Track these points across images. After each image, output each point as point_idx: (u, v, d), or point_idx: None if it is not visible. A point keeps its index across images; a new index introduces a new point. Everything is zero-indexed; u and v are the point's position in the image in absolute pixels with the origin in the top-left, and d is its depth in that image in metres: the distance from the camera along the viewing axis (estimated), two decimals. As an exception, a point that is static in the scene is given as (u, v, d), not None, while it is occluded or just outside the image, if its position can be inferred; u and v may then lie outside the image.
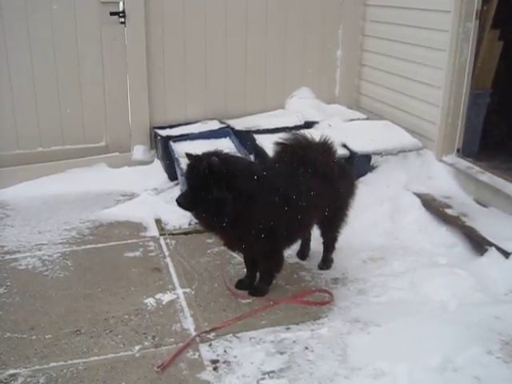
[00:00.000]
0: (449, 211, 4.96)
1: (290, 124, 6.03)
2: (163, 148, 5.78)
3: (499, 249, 4.32)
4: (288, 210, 3.79)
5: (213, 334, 3.61)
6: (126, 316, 3.78)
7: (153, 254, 4.63)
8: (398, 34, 6.00)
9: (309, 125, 6.05)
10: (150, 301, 3.96)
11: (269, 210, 3.74)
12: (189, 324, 3.72)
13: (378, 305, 3.98)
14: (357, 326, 3.67)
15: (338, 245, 4.53)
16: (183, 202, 3.71)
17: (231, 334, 3.61)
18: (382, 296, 4.07)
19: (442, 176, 5.45)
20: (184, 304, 3.94)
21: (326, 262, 4.49)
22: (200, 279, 4.26)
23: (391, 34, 6.16)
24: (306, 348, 3.46)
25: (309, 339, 3.53)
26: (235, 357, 3.39)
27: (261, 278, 4.13)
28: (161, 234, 4.93)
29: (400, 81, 6.02)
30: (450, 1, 5.05)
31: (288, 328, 3.71)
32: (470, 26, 5.08)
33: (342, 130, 5.67)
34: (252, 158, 5.57)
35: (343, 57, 6.80)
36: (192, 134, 5.76)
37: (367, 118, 6.33)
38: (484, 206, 5.06)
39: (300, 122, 6.09)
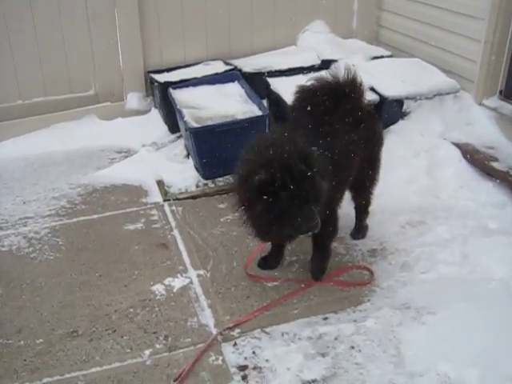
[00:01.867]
0: (495, 164, 4.31)
1: (306, 63, 5.28)
2: (161, 95, 5.03)
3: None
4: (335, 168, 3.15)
5: (237, 330, 3.02)
6: (131, 309, 3.16)
7: (157, 225, 3.96)
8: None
9: (327, 64, 5.29)
10: (159, 288, 3.33)
11: (328, 179, 3.03)
12: (207, 318, 3.11)
13: (428, 284, 3.38)
14: (408, 313, 3.08)
15: (371, 208, 3.88)
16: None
17: (259, 330, 3.02)
18: (430, 272, 3.48)
19: (483, 122, 4.75)
20: (199, 291, 3.32)
21: (360, 230, 3.86)
22: (215, 257, 3.62)
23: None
24: (352, 347, 2.87)
25: (354, 335, 2.93)
26: (267, 360, 2.81)
27: (319, 253, 3.45)
28: (165, 200, 4.25)
29: (431, 10, 5.20)
30: None
31: (326, 318, 3.12)
32: None
33: (367, 70, 4.89)
34: (265, 103, 4.83)
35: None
36: (194, 78, 4.98)
37: (391, 55, 5.56)
38: (536, 156, 4.41)
39: (317, 61, 5.32)
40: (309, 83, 3.47)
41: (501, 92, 4.87)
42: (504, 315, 2.97)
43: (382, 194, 3.99)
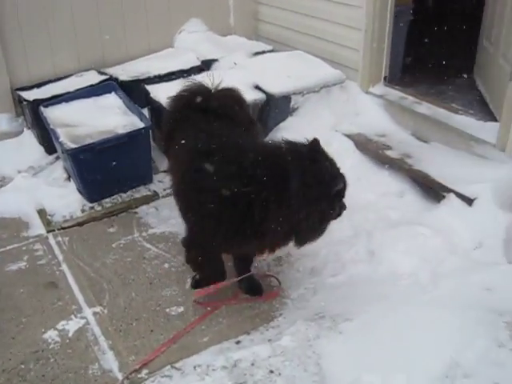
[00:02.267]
0: (389, 153, 4.28)
1: (186, 66, 4.99)
2: (32, 115, 4.56)
3: (459, 195, 3.69)
4: None
5: (145, 371, 2.76)
6: (23, 366, 2.80)
7: (43, 261, 3.57)
8: None
9: (208, 64, 5.07)
10: (52, 335, 2.98)
11: None
12: (110, 362, 2.81)
13: (339, 288, 3.27)
14: (323, 324, 2.92)
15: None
16: None
17: (169, 366, 2.78)
18: (340, 274, 3.38)
19: (371, 110, 4.72)
20: (97, 331, 3.00)
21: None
22: (111, 289, 3.30)
23: None
24: (271, 371, 2.66)
25: (271, 358, 2.73)
26: (182, 402, 2.56)
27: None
28: (48, 231, 3.85)
29: (308, 1, 5.11)
30: None
31: (238, 342, 2.93)
32: None
33: (250, 67, 4.73)
34: (146, 113, 4.52)
35: (235, -23, 5.74)
36: (67, 93, 4.56)
37: (273, 50, 5.40)
38: (425, 141, 4.41)
39: (197, 62, 5.06)
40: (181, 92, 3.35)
41: (385, 78, 4.86)
42: (420, 313, 2.87)
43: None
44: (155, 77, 4.84)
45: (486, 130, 4.07)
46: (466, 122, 4.20)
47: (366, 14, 4.51)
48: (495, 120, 4.21)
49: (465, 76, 5.10)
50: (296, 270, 3.44)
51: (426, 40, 5.46)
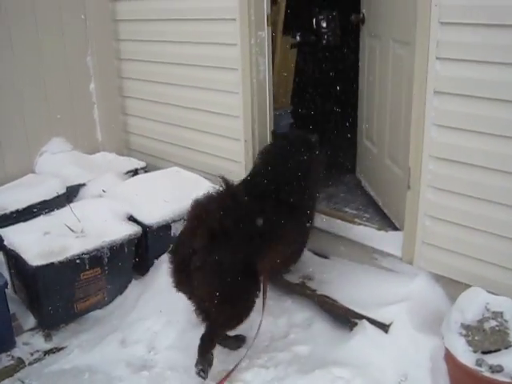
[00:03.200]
0: (288, 277, 3.80)
1: (49, 195, 4.31)
2: None
3: (373, 321, 3.28)
4: None
5: None
6: None
7: None
8: (169, 52, 4.67)
9: (74, 191, 4.47)
10: None
11: None
12: None
13: None
14: None
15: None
16: None
17: None
18: None
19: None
20: None
21: None
22: None
23: (156, 55, 4.80)
24: None
25: None
26: None
27: None
28: None
29: (185, 112, 4.68)
30: (234, 5, 3.86)
31: None
32: (262, 34, 3.93)
33: (121, 194, 4.17)
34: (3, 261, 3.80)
35: (98, 89, 5.24)
36: None
37: (146, 166, 4.90)
38: (325, 257, 4.01)
39: (62, 190, 4.41)
40: None
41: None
42: None
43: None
44: (12, 213, 4.12)
45: (389, 240, 3.73)
46: (367, 233, 3.85)
47: (244, 124, 4.14)
48: (395, 227, 3.92)
49: (348, 176, 4.90)
50: None
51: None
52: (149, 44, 4.83)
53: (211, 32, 4.16)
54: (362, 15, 4.33)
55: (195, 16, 4.28)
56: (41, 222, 3.83)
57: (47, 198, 4.29)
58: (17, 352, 3.53)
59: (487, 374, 2.72)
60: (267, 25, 3.90)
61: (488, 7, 2.78)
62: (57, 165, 4.81)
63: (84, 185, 4.52)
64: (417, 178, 3.29)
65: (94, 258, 3.61)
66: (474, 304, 2.92)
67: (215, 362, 3.10)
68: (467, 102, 2.97)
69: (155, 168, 4.70)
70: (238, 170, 4.32)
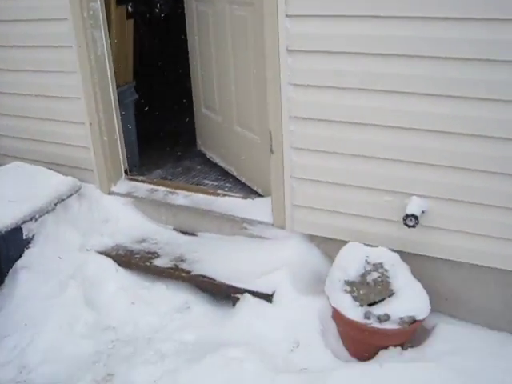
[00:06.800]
0: (158, 262, 3.56)
1: None
2: None
3: (255, 293, 3.18)
4: None
5: None
6: None
7: None
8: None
9: None
10: None
11: None
12: None
13: None
14: None
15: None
16: None
17: None
18: None
19: (121, 213, 3.97)
20: None
21: None
22: None
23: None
24: None
25: None
26: None
27: None
28: None
29: (18, 100, 4.15)
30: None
31: None
32: (95, 6, 3.57)
33: None
34: None
35: None
36: None
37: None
38: (193, 234, 3.83)
39: None
40: None
41: (126, 171, 4.19)
42: None
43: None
44: None
45: (257, 208, 3.65)
46: (233, 204, 3.72)
47: (87, 105, 3.78)
48: (259, 194, 3.84)
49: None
50: None
51: (156, 115, 4.98)
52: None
53: (39, 7, 3.70)
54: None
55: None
56: None
57: None
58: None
59: (376, 324, 2.76)
60: (98, -6, 3.55)
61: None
62: None
63: None
64: (279, 141, 3.21)
65: None
66: (354, 260, 2.93)
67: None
68: (321, 59, 2.91)
69: (-9, 165, 4.16)
70: (86, 157, 3.98)
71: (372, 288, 2.84)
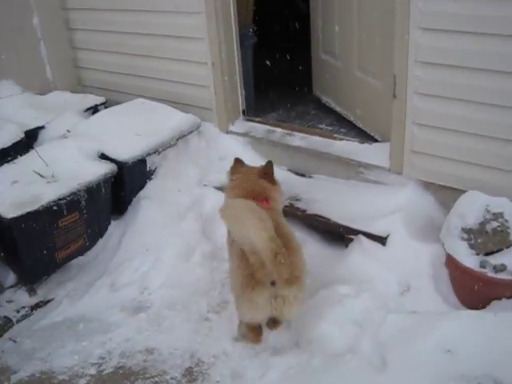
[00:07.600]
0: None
1: (7, 142, 3.97)
2: None
3: (369, 235, 3.23)
4: None
5: None
6: None
7: None
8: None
9: (33, 135, 4.16)
10: None
11: None
12: None
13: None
14: None
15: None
16: None
17: None
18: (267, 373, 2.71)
19: (237, 152, 4.08)
20: None
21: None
22: None
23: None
24: None
25: None
26: None
27: None
28: None
29: (143, 40, 4.35)
30: None
31: None
32: None
33: (87, 132, 3.91)
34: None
35: (43, 23, 4.78)
36: None
37: (105, 102, 4.59)
38: (309, 176, 3.90)
39: (20, 135, 4.09)
40: None
41: (244, 112, 4.29)
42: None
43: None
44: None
45: (375, 152, 3.66)
46: (350, 148, 3.77)
47: (211, 45, 3.90)
48: (375, 140, 3.83)
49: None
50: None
51: (272, 60, 5.03)
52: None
53: None
54: None
55: None
56: (5, 171, 3.55)
57: (5, 145, 3.96)
58: (1, 311, 3.34)
59: (491, 274, 2.74)
60: None
61: None
62: (9, 110, 4.45)
63: (43, 127, 4.21)
64: (403, 85, 3.18)
65: (70, 203, 3.39)
66: (473, 207, 2.89)
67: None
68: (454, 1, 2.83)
69: (115, 102, 4.39)
70: (207, 96, 4.12)
71: (490, 237, 2.81)
